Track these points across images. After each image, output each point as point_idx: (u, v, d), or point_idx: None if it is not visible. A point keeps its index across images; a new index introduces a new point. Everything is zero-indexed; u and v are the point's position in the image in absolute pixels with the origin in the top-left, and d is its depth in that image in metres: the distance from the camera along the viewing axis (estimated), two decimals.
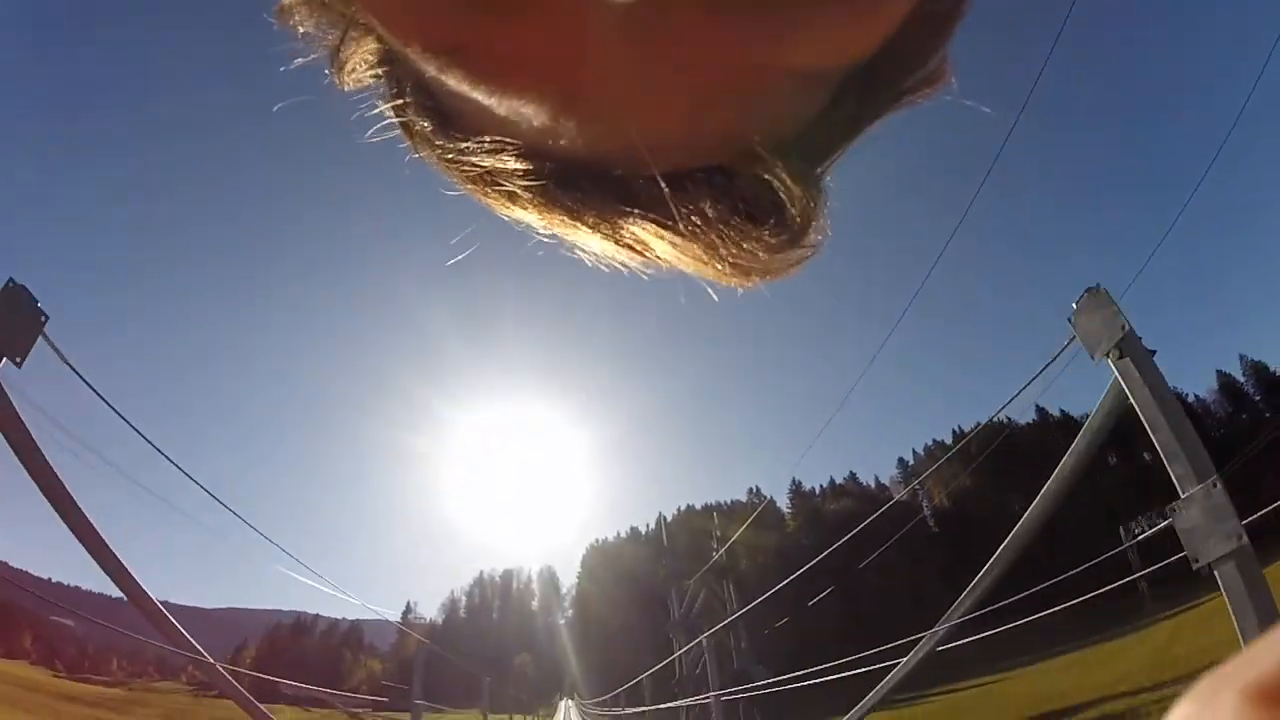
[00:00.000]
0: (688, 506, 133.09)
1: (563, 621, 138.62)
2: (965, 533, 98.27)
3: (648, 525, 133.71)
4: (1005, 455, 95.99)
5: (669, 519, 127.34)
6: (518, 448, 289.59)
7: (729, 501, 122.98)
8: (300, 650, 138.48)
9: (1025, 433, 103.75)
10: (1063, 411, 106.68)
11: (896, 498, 37.67)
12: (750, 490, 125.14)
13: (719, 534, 47.10)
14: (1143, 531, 35.53)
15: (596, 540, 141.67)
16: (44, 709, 49.24)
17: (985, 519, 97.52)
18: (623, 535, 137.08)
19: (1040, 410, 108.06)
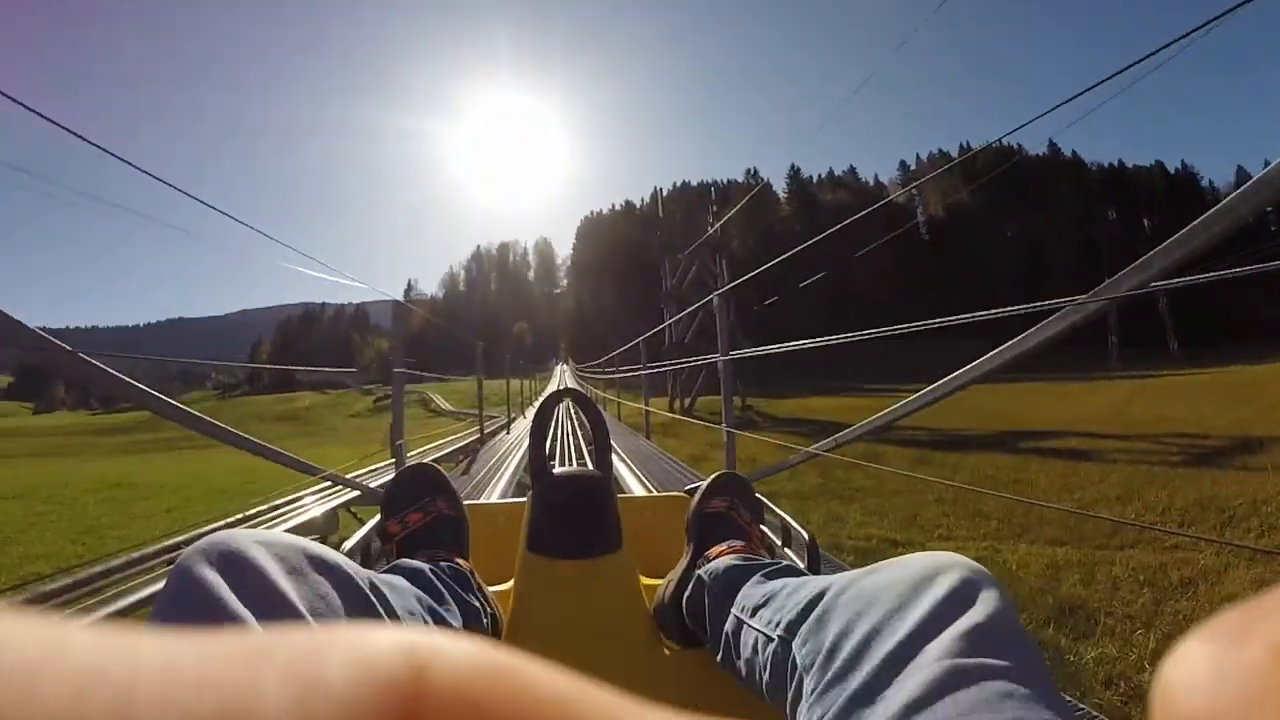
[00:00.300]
0: (683, 183, 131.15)
1: (558, 291, 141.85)
2: (954, 246, 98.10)
3: (642, 200, 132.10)
4: (1009, 181, 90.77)
5: (665, 194, 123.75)
6: (515, 124, 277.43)
7: (725, 181, 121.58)
8: (311, 339, 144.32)
9: (1033, 164, 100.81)
10: (1075, 153, 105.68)
11: (892, 196, 36.25)
12: (748, 172, 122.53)
13: (715, 208, 43.71)
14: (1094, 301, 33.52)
15: (591, 213, 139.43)
16: (85, 449, 50.53)
17: (976, 237, 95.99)
18: (617, 208, 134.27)
19: (1053, 145, 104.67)
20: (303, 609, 0.50)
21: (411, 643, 0.11)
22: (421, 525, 1.00)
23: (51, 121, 2.25)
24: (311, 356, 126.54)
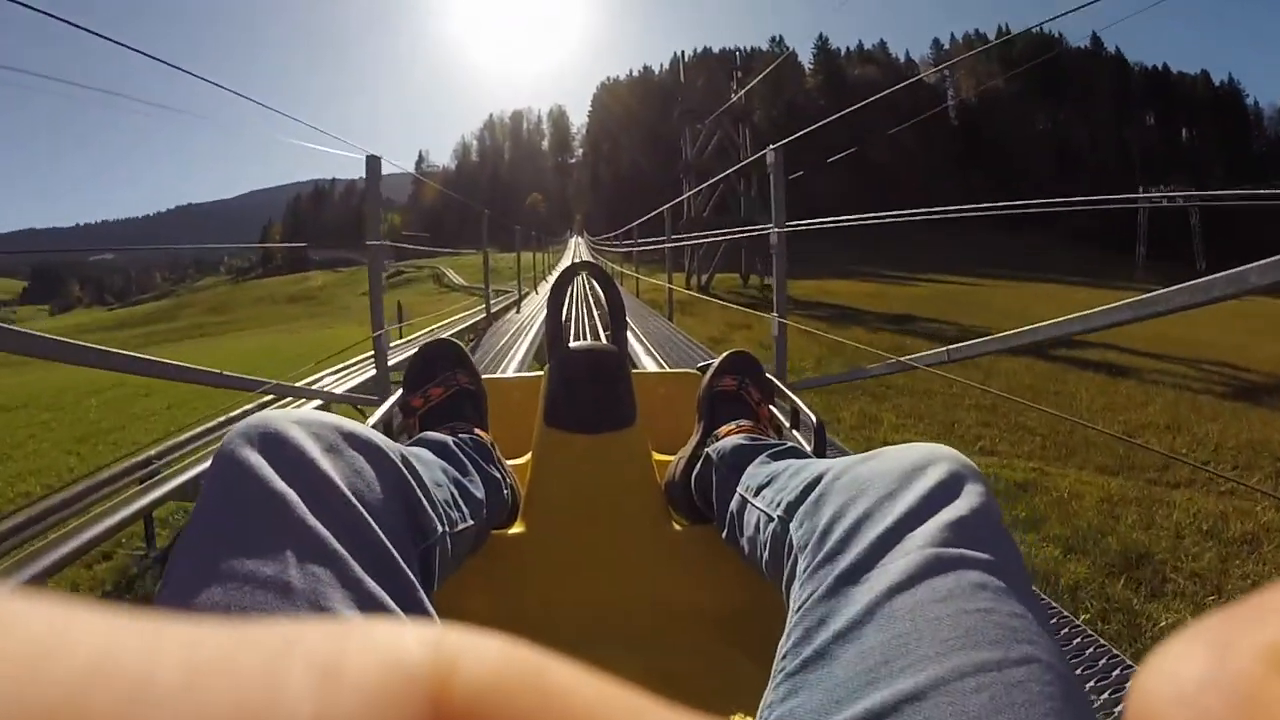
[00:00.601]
0: (704, 49, 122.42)
1: (573, 161, 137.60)
2: (984, 133, 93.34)
3: (661, 66, 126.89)
4: (1046, 72, 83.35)
5: (685, 59, 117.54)
6: None
7: (749, 48, 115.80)
8: (322, 217, 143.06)
9: (1073, 56, 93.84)
10: (1118, 50, 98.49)
11: (922, 75, 33.14)
12: (773, 39, 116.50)
13: (739, 74, 41.69)
14: (1163, 197, 30.13)
15: (608, 78, 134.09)
16: (101, 344, 51.15)
17: (1007, 126, 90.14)
18: (635, 74, 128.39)
19: (1096, 39, 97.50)
20: (342, 485, 0.52)
21: (439, 638, 0.11)
22: (443, 398, 1.00)
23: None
24: (324, 234, 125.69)
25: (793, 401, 1.17)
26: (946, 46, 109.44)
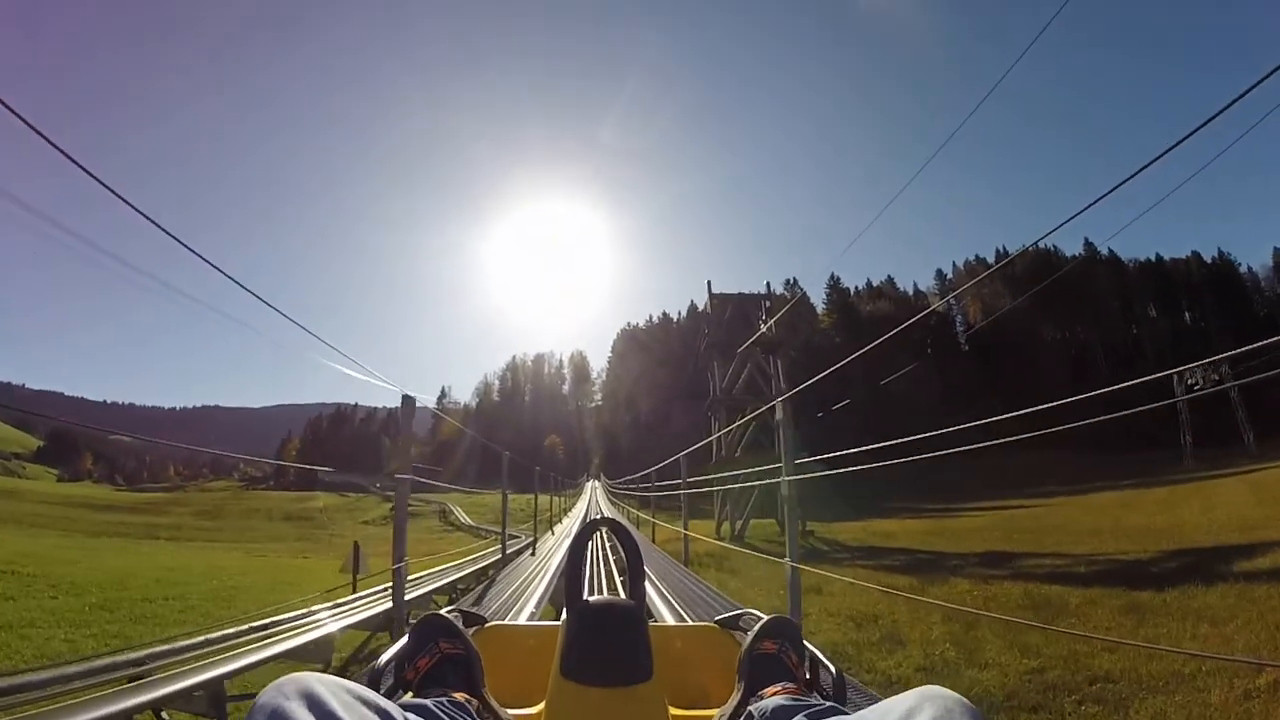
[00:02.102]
0: (722, 294, 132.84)
1: (592, 406, 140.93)
2: (997, 352, 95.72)
3: (679, 313, 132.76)
4: (1045, 282, 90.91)
5: (701, 307, 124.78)
6: (551, 237, 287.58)
7: (768, 285, 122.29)
8: (340, 439, 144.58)
9: (1069, 263, 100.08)
10: (1111, 251, 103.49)
11: (935, 306, 35.07)
12: (786, 282, 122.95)
13: (768, 304, 41.47)
14: (1197, 384, 31.68)
15: (628, 324, 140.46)
16: (78, 521, 49.93)
17: (1017, 343, 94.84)
18: (655, 320, 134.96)
19: (1089, 244, 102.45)
20: None
21: None
22: (430, 666, 1.13)
23: (131, 205, 2.92)
24: (339, 457, 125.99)
25: (811, 653, 1.20)
26: (950, 276, 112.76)
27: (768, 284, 43.37)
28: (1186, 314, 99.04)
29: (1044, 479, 47.66)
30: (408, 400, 5.26)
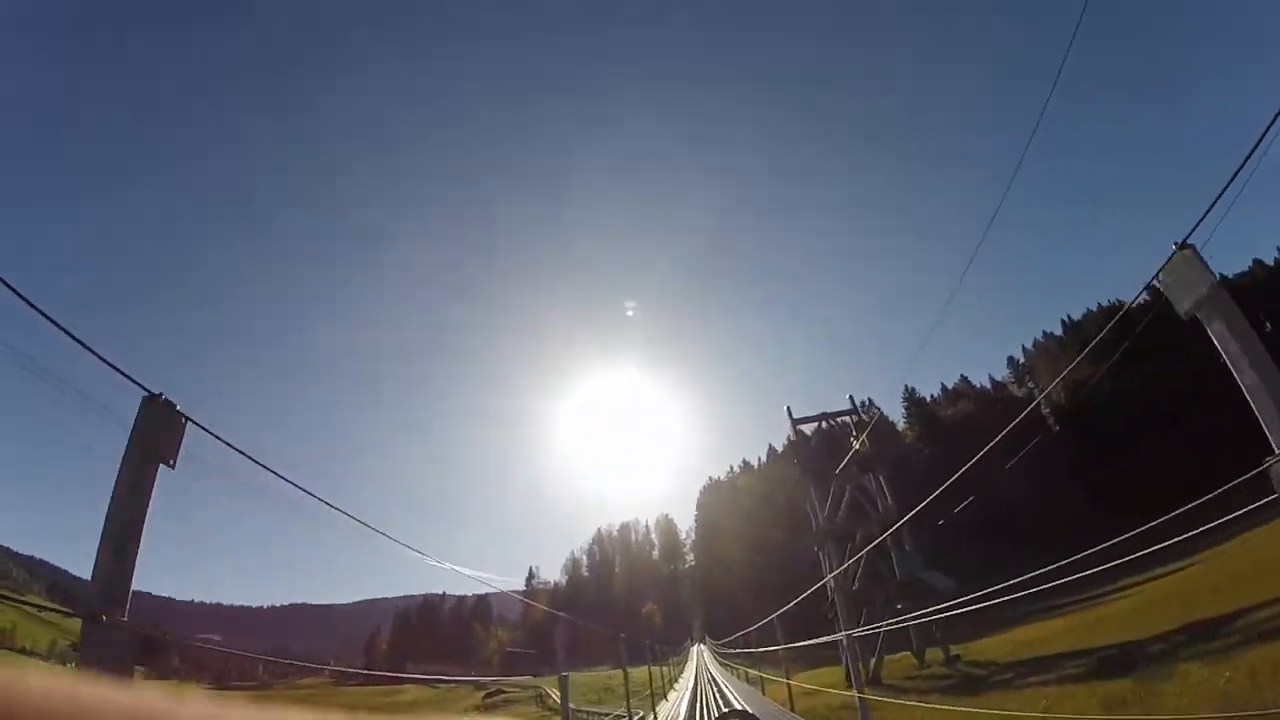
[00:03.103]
0: (803, 418, 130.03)
1: (686, 567, 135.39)
2: (1089, 424, 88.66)
3: (759, 459, 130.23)
4: (1120, 342, 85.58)
5: (780, 449, 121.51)
6: (618, 406, 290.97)
7: (847, 409, 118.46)
8: (430, 629, 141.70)
9: (1139, 316, 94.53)
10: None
11: (1026, 397, 31.63)
12: (861, 404, 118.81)
13: (857, 418, 38.67)
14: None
15: (710, 479, 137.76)
16: None
17: (1108, 411, 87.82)
18: (735, 469, 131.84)
19: (1153, 290, 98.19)
20: None
21: None
22: None
23: (217, 437, 3.51)
24: (429, 646, 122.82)
25: None
26: (1021, 360, 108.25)
27: (850, 398, 38.83)
28: (1267, 324, 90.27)
29: (1156, 557, 41.49)
30: (531, 593, 6.62)
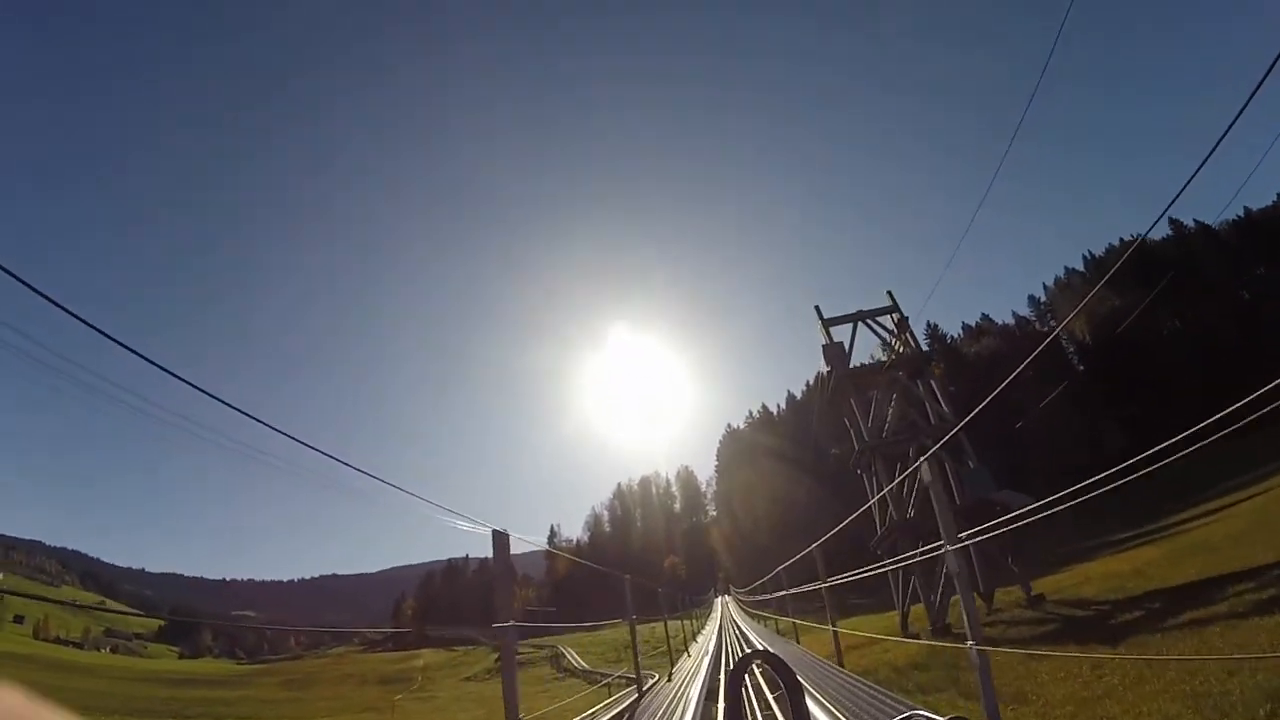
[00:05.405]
0: (835, 318, 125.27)
1: (708, 520, 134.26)
2: (1118, 360, 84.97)
3: (779, 405, 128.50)
4: (1146, 273, 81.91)
5: (799, 396, 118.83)
6: (636, 359, 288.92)
7: (888, 305, 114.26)
8: (454, 593, 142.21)
9: (1163, 248, 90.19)
10: (1197, 222, 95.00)
11: (1057, 330, 28.70)
12: (884, 344, 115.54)
13: (896, 317, 32.80)
14: None
15: (729, 426, 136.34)
16: (137, 699, 48.66)
17: (1134, 346, 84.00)
18: (755, 415, 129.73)
19: (1175, 223, 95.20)
20: None
21: None
22: None
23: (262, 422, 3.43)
24: (453, 610, 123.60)
25: None
26: (1043, 299, 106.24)
27: (890, 293, 32.97)
28: None
29: (1226, 474, 39.55)
30: (499, 537, 5.20)
